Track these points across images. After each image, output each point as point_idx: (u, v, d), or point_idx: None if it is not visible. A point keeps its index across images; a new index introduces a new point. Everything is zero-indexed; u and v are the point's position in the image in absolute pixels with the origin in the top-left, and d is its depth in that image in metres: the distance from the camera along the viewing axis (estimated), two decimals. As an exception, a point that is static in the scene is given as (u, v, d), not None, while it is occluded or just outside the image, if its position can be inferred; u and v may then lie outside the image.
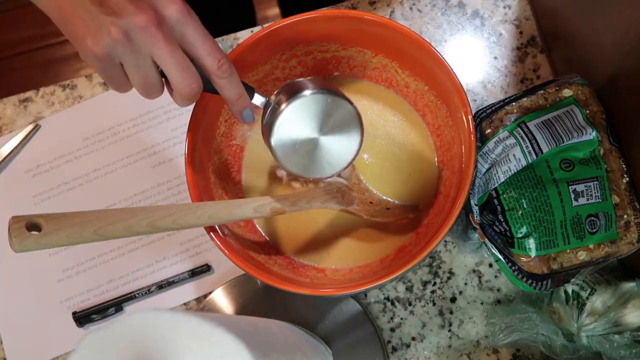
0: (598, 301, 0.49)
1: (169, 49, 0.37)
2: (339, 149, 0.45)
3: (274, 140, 0.43)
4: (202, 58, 0.39)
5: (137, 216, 0.40)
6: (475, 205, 0.49)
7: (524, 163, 0.47)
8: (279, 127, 0.42)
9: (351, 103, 0.43)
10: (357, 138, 0.45)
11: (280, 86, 0.57)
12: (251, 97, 0.44)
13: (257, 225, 0.56)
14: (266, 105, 0.44)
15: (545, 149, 0.47)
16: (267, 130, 0.43)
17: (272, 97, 0.44)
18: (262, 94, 0.44)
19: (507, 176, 0.47)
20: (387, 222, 0.54)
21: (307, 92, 0.42)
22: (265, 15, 1.45)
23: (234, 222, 0.53)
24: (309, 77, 0.44)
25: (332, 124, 0.43)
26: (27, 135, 0.64)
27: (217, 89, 0.42)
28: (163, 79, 0.40)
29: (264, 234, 0.55)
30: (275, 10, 1.45)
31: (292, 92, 0.43)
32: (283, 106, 0.42)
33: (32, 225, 0.36)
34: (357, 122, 0.44)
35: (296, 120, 0.42)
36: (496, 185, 0.47)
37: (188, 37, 0.38)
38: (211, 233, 0.46)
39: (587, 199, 0.47)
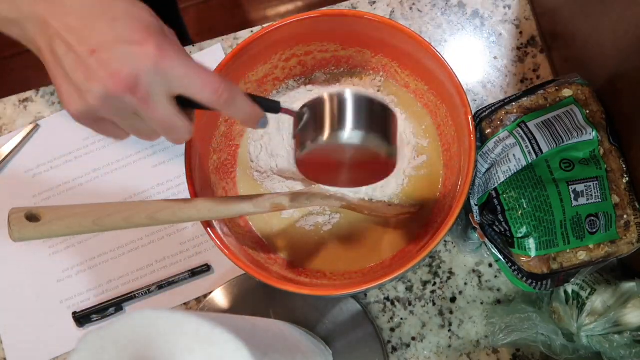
0: (598, 301, 0.49)
1: (148, 112, 0.35)
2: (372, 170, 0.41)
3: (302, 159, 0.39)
4: (197, 95, 0.37)
5: (136, 208, 0.40)
6: (475, 205, 0.49)
7: (524, 163, 0.47)
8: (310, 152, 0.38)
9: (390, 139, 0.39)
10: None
11: (279, 86, 0.57)
12: (277, 111, 0.41)
13: (254, 228, 0.56)
14: (299, 116, 0.40)
15: (545, 149, 0.47)
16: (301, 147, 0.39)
17: (304, 110, 0.39)
18: (289, 108, 0.41)
19: (507, 176, 0.47)
20: (387, 221, 0.54)
21: (346, 130, 0.37)
22: (265, 15, 1.46)
23: (234, 217, 0.53)
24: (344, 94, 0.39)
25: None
26: (27, 135, 0.64)
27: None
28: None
29: (261, 237, 0.55)
30: (275, 10, 1.46)
31: (329, 117, 0.38)
32: (323, 138, 0.37)
33: (32, 216, 0.36)
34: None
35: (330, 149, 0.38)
36: (496, 185, 0.47)
37: (174, 81, 0.36)
38: (211, 232, 0.46)
39: (587, 199, 0.47)
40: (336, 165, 0.41)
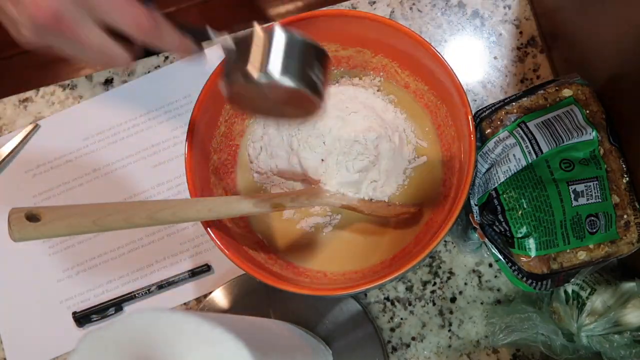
0: (598, 301, 0.49)
1: (79, 39, 0.37)
2: None
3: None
4: (122, 27, 0.38)
5: (136, 208, 0.40)
6: (475, 205, 0.49)
7: (524, 163, 0.47)
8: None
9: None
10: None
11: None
12: (207, 38, 0.41)
13: (254, 228, 0.55)
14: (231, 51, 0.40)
15: (545, 149, 0.47)
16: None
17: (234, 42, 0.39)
18: (217, 33, 0.41)
19: (507, 176, 0.47)
20: (387, 221, 0.54)
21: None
22: (265, 15, 1.46)
23: (234, 217, 0.53)
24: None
25: None
26: (27, 135, 0.64)
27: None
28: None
29: (261, 237, 0.55)
30: (275, 11, 1.46)
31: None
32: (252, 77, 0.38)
33: (32, 216, 0.36)
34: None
35: None
36: (496, 185, 0.47)
37: (97, 12, 0.37)
38: (211, 232, 0.46)
39: (587, 199, 0.47)
40: (265, 100, 0.41)
